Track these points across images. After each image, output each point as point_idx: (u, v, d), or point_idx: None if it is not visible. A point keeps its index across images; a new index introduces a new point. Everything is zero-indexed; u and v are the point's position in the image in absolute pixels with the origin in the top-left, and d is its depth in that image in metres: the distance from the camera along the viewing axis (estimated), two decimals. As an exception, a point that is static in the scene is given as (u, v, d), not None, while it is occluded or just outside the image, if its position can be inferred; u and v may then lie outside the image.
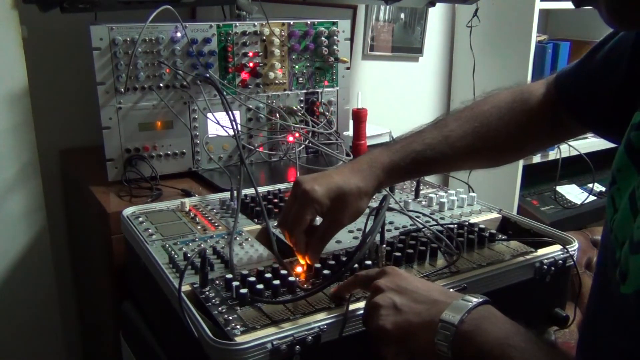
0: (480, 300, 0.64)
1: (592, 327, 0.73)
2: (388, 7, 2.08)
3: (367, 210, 0.88)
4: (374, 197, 0.89)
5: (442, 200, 1.12)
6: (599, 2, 0.59)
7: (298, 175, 1.21)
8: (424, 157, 0.87)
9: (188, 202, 1.11)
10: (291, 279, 0.79)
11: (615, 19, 0.59)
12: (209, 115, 1.33)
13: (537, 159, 2.18)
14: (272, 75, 1.41)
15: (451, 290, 0.78)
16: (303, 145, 1.46)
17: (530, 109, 0.90)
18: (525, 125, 0.89)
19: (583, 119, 0.87)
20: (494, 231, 0.99)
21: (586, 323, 0.76)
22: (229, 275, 0.81)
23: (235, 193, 1.12)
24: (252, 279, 0.79)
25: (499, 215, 1.09)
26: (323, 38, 1.45)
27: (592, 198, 2.30)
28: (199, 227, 1.02)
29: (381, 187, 0.88)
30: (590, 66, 0.85)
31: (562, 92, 0.89)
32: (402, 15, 2.15)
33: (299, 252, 0.86)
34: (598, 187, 2.32)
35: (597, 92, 0.82)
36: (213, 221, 1.04)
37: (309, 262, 0.85)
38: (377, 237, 0.85)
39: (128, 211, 1.07)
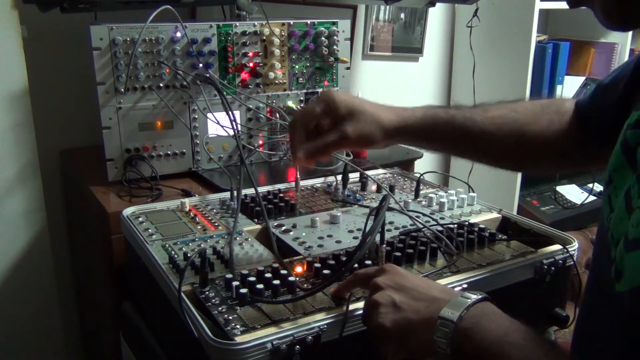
0: (479, 297, 0.64)
1: (588, 326, 0.73)
2: (388, 7, 2.08)
3: (367, 210, 0.88)
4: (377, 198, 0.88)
5: (442, 200, 1.12)
6: (593, 3, 0.59)
7: (298, 175, 1.21)
8: (457, 121, 0.86)
9: (188, 202, 1.11)
10: (291, 279, 0.79)
11: (609, 19, 0.59)
12: (209, 115, 1.33)
13: (537, 159, 2.18)
14: (272, 75, 1.41)
15: (450, 287, 0.78)
16: (303, 145, 1.45)
17: (561, 114, 0.90)
18: (555, 128, 0.89)
19: (598, 138, 0.85)
20: (494, 231, 0.99)
21: (581, 321, 0.77)
22: (229, 275, 0.81)
23: (235, 193, 1.12)
24: (252, 278, 0.79)
25: (499, 215, 1.09)
26: (323, 38, 1.45)
27: (592, 198, 2.30)
28: (199, 227, 1.02)
29: (403, 132, 0.85)
30: (602, 87, 0.86)
31: (579, 115, 0.89)
32: (402, 15, 2.15)
33: (292, 147, 0.83)
34: (598, 187, 2.32)
35: (607, 109, 0.83)
36: (213, 221, 1.04)
37: (298, 158, 0.82)
38: (377, 237, 0.85)
39: (128, 211, 1.07)
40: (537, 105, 0.91)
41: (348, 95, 0.84)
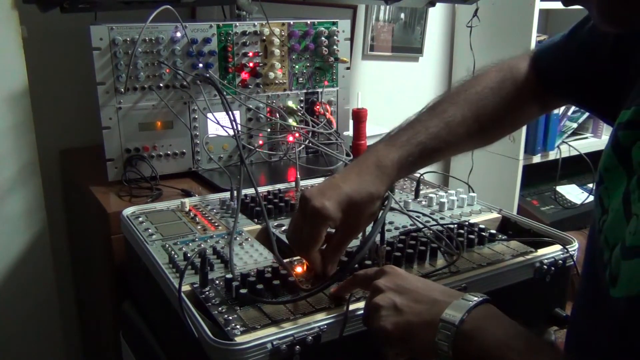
0: (481, 299, 0.64)
1: (581, 327, 0.73)
2: (388, 7, 2.08)
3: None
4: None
5: (442, 200, 1.12)
6: (589, 2, 0.59)
7: (298, 175, 1.21)
8: (430, 148, 0.85)
9: (188, 202, 1.11)
10: (291, 279, 0.79)
11: (606, 19, 0.59)
12: (209, 115, 1.33)
13: (537, 159, 2.19)
14: (272, 75, 1.41)
15: (451, 289, 0.77)
16: (303, 145, 1.46)
17: (517, 86, 0.90)
18: (517, 103, 0.90)
19: (559, 92, 0.90)
20: (494, 231, 0.99)
21: (575, 323, 0.77)
22: (229, 275, 0.81)
23: (235, 193, 1.13)
24: (252, 279, 0.79)
25: (499, 215, 1.09)
26: (323, 38, 1.45)
27: (592, 198, 2.29)
28: (199, 227, 1.02)
29: (392, 183, 0.85)
30: (569, 47, 0.86)
31: (540, 76, 0.90)
32: (402, 15, 2.15)
33: (316, 269, 0.82)
34: (598, 187, 2.32)
35: (577, 73, 0.84)
36: (213, 221, 1.04)
37: (326, 273, 0.83)
38: (377, 237, 0.85)
39: (128, 211, 1.07)
40: (494, 88, 0.90)
41: (330, 194, 0.78)
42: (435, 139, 0.85)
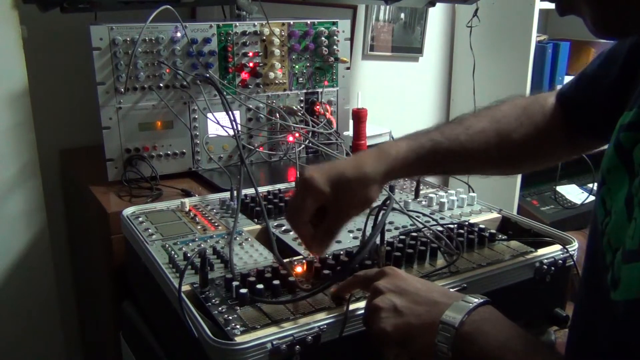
0: (481, 300, 0.64)
1: (582, 329, 0.73)
2: (388, 7, 2.08)
3: (367, 210, 0.88)
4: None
5: (442, 200, 1.12)
6: (583, 12, 0.59)
7: (298, 175, 1.21)
8: (443, 147, 0.83)
9: (188, 202, 1.11)
10: (291, 279, 0.79)
11: (599, 28, 0.59)
12: (209, 115, 1.33)
13: (537, 159, 2.18)
14: (272, 75, 1.41)
15: (451, 290, 0.77)
16: (303, 145, 1.46)
17: (545, 113, 0.88)
18: (541, 128, 0.87)
19: (586, 129, 0.86)
20: (494, 231, 0.99)
21: (576, 324, 0.76)
22: (229, 275, 0.81)
23: (235, 193, 1.13)
24: (252, 279, 0.79)
25: (499, 215, 1.09)
26: (323, 38, 1.45)
27: (592, 198, 2.29)
28: (199, 227, 1.02)
29: (394, 174, 0.83)
30: (587, 77, 0.85)
31: (564, 107, 0.88)
32: (402, 15, 2.15)
33: (305, 244, 0.84)
34: (598, 187, 2.32)
35: (595, 100, 0.82)
36: (213, 221, 1.04)
37: (313, 254, 0.84)
38: (377, 237, 0.85)
39: (128, 211, 1.07)
40: (519, 108, 0.88)
41: (323, 170, 0.79)
42: (450, 140, 0.83)
